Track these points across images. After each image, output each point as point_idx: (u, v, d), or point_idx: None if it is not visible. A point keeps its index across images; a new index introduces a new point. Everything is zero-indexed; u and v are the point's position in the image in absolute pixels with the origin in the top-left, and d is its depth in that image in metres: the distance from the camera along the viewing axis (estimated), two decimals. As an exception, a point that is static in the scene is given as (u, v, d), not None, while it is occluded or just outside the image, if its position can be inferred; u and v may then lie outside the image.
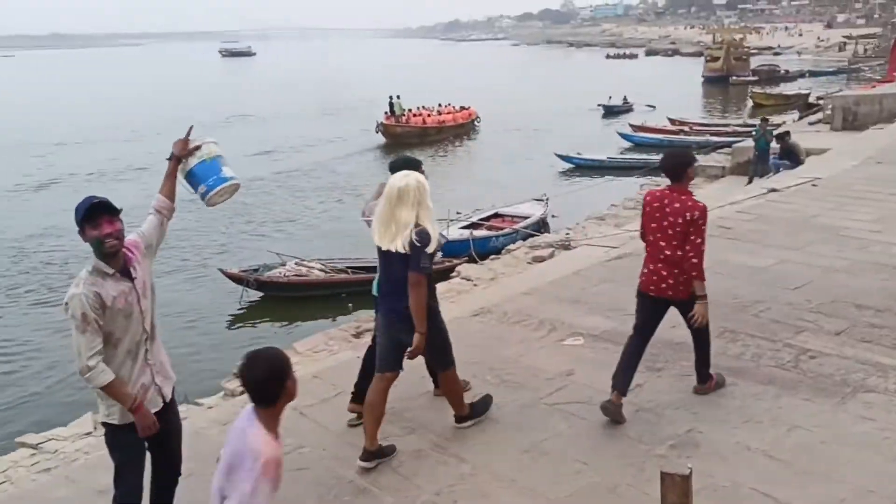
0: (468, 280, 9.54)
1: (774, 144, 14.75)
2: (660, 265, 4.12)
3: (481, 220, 14.34)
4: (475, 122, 31.36)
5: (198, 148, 3.40)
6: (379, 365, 3.95)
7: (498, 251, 12.13)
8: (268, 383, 2.28)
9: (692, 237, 3.98)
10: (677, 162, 4.19)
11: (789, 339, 5.19)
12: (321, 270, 11.96)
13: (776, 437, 3.97)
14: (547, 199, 15.33)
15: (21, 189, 21.35)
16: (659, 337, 5.30)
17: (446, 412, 4.40)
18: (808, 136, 17.03)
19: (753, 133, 15.90)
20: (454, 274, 10.36)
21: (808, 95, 32.98)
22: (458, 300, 8.25)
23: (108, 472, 3.13)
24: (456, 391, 4.15)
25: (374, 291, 4.19)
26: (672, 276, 4.09)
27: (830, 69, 56.06)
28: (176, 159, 3.37)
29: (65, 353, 9.84)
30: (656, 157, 21.64)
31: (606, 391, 4.56)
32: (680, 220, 4.00)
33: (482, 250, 12.41)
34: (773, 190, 10.56)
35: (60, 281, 12.93)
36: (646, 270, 4.22)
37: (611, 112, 34.82)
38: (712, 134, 25.16)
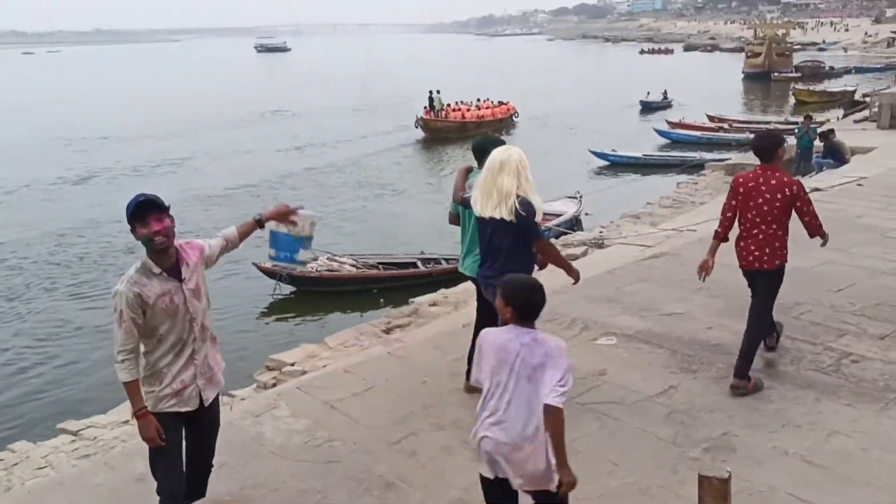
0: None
1: (818, 143, 14.40)
2: (750, 241, 4.37)
3: None
4: (513, 118, 31.22)
5: (294, 214, 3.60)
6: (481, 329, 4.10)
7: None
8: (541, 305, 2.75)
9: (802, 207, 4.29)
10: (768, 142, 4.42)
11: (831, 343, 5.06)
12: (352, 266, 12.03)
13: (815, 442, 3.87)
14: (580, 197, 15.18)
15: (62, 182, 21.86)
16: (695, 338, 5.24)
17: (476, 408, 4.39)
18: (853, 134, 16.57)
19: (796, 131, 15.54)
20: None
21: (853, 92, 32.10)
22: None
23: (145, 460, 3.18)
24: None
25: (461, 269, 4.55)
26: (762, 251, 4.34)
27: (878, 65, 54.46)
28: (258, 223, 3.53)
29: (104, 342, 10.10)
30: (694, 155, 21.40)
31: (640, 391, 4.51)
32: (779, 196, 4.24)
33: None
34: (817, 189, 10.30)
35: (97, 272, 13.28)
36: (740, 245, 4.46)
37: (649, 108, 34.26)
38: (752, 131, 24.58)
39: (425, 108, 28.18)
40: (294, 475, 3.82)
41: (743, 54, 55.22)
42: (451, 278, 10.89)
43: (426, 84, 31.69)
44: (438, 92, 28.39)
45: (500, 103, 30.90)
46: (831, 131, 14.39)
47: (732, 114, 30.37)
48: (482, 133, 28.26)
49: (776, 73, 47.32)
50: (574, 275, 4.27)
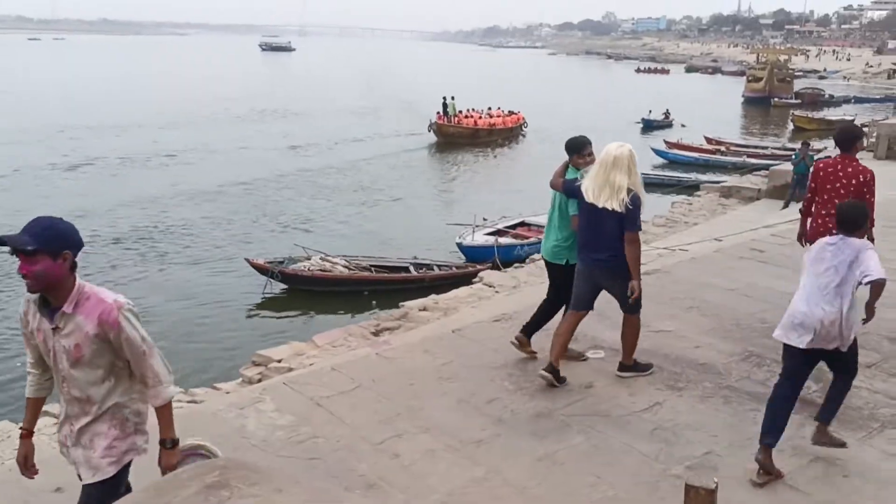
0: (490, 286, 9.53)
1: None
2: (827, 218, 4.89)
3: (507, 227, 14.30)
4: (523, 127, 31.79)
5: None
6: (574, 303, 4.75)
7: (522, 260, 12.09)
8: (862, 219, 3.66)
9: (866, 195, 4.86)
10: (849, 135, 5.15)
11: (818, 368, 5.07)
12: (345, 267, 12.04)
13: (798, 466, 3.88)
14: (576, 211, 15.22)
15: (52, 168, 21.79)
16: (682, 356, 5.25)
17: (462, 414, 4.40)
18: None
19: (793, 157, 15.64)
20: (476, 279, 10.36)
21: (852, 122, 32.37)
22: (479, 305, 8.25)
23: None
24: (632, 338, 4.79)
25: (543, 253, 5.16)
26: (828, 229, 4.82)
27: (877, 96, 54.95)
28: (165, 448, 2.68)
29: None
30: (689, 176, 21.52)
31: (625, 406, 4.52)
32: (854, 181, 4.91)
33: (506, 258, 12.38)
34: (809, 216, 10.36)
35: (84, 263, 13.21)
36: (814, 224, 5.14)
37: (650, 126, 34.46)
38: (750, 155, 24.80)
39: (438, 113, 28.71)
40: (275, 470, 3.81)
41: (744, 78, 55.61)
42: (443, 285, 10.92)
43: (429, 89, 31.87)
44: (453, 98, 29.07)
45: (511, 113, 31.60)
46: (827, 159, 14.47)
47: (730, 137, 30.57)
48: (494, 140, 28.79)
49: (776, 99, 47.64)
50: (637, 284, 4.47)
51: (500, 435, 4.19)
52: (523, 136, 31.47)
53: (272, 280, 11.65)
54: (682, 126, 34.04)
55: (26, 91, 43.43)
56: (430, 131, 28.12)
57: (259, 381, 5.99)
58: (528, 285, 8.86)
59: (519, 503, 3.57)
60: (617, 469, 3.85)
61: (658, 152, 26.01)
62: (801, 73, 64.68)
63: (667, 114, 35.86)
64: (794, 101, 47.66)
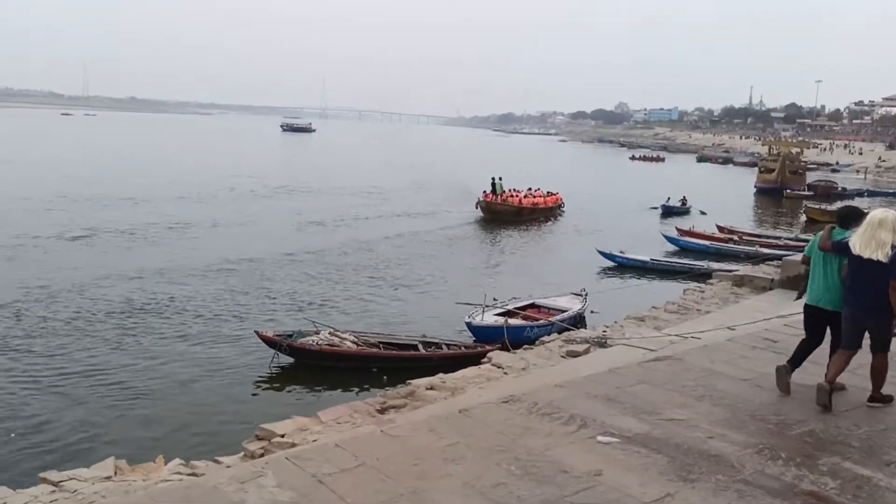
0: (499, 367, 9.44)
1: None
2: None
3: (517, 308, 14.28)
4: (560, 208, 33.88)
5: None
6: (845, 343, 5.55)
7: (532, 342, 12.00)
8: None
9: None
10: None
11: (835, 464, 4.93)
12: (353, 342, 12.00)
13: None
14: (586, 294, 15.23)
15: (75, 238, 22.16)
16: (694, 446, 5.13)
17: (467, 498, 4.28)
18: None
19: (806, 249, 15.64)
20: (485, 360, 10.27)
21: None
22: (486, 386, 8.16)
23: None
24: (883, 372, 5.56)
25: (811, 301, 6.10)
26: None
27: (890, 190, 55.45)
28: None
29: (91, 397, 10.00)
30: (702, 264, 21.56)
31: (635, 496, 4.39)
32: None
33: (516, 339, 12.30)
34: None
35: (96, 327, 13.28)
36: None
37: (670, 212, 35.12)
38: (762, 245, 24.87)
39: (485, 192, 30.96)
40: (272, 550, 3.69)
41: (755, 169, 56.31)
42: (451, 364, 10.83)
43: (446, 170, 32.63)
44: (500, 178, 31.58)
45: (550, 193, 33.87)
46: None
47: (743, 226, 30.75)
48: (536, 218, 30.80)
49: (788, 191, 48.06)
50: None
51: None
52: (562, 214, 33.53)
53: (280, 353, 11.62)
54: (702, 213, 34.70)
55: (59, 162, 44.79)
56: (477, 208, 30.27)
57: (262, 455, 5.89)
58: (538, 367, 8.77)
59: None
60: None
61: (670, 239, 26.15)
62: (813, 166, 65.48)
63: (684, 200, 36.46)
64: (806, 192, 48.06)
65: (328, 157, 64.05)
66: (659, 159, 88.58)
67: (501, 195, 31.02)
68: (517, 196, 31.77)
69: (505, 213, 30.43)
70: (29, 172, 37.79)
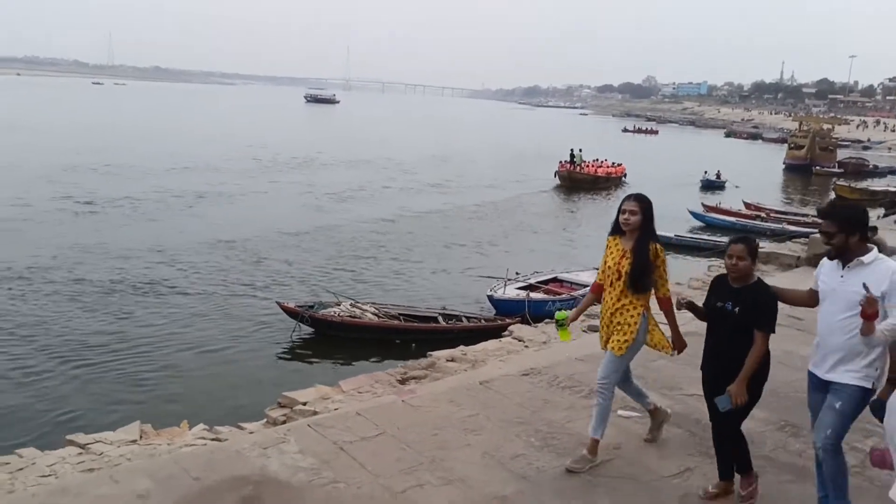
0: (520, 340, 9.43)
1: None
2: None
3: (539, 282, 14.23)
4: (623, 178, 35.83)
5: None
6: None
7: (553, 316, 11.96)
8: None
9: None
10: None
11: (856, 442, 4.88)
12: (374, 314, 12.06)
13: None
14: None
15: (92, 205, 22.48)
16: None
17: (486, 468, 4.32)
18: (892, 235, 16.35)
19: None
20: (506, 333, 10.28)
21: (895, 193, 31.83)
22: (507, 359, 8.17)
23: (149, 478, 3.17)
24: None
25: None
26: None
27: (923, 168, 54.03)
28: None
29: (118, 361, 10.20)
30: (725, 240, 21.17)
31: (654, 470, 4.40)
32: None
33: (537, 313, 12.28)
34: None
35: (117, 294, 13.50)
36: None
37: (711, 186, 35.71)
38: (789, 222, 24.47)
39: (561, 162, 34.11)
40: (294, 514, 3.76)
41: (784, 145, 55.21)
42: (471, 336, 10.86)
43: (466, 142, 32.42)
44: (580, 150, 34.60)
45: (615, 164, 36.26)
46: (874, 229, 14.21)
47: (770, 203, 30.26)
48: (609, 187, 32.95)
49: (818, 168, 47.12)
50: None
51: (523, 492, 4.10)
52: (626, 184, 35.08)
53: (301, 324, 11.73)
54: (736, 187, 34.97)
55: (108, 130, 45.29)
56: (555, 177, 33.34)
57: (284, 422, 5.98)
58: (558, 342, 8.75)
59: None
60: (643, 535, 3.73)
61: (695, 215, 25.81)
62: (844, 143, 64.05)
63: (718, 175, 36.59)
64: (836, 169, 47.08)
65: (353, 128, 63.95)
66: (652, 132, 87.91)
67: (580, 165, 33.93)
68: (592, 166, 34.76)
69: (583, 182, 33.30)
70: (75, 143, 38.22)
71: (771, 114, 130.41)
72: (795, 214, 27.21)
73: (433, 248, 19.61)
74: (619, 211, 4.35)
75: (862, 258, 3.56)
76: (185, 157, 34.37)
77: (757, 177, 42.05)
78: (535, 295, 13.23)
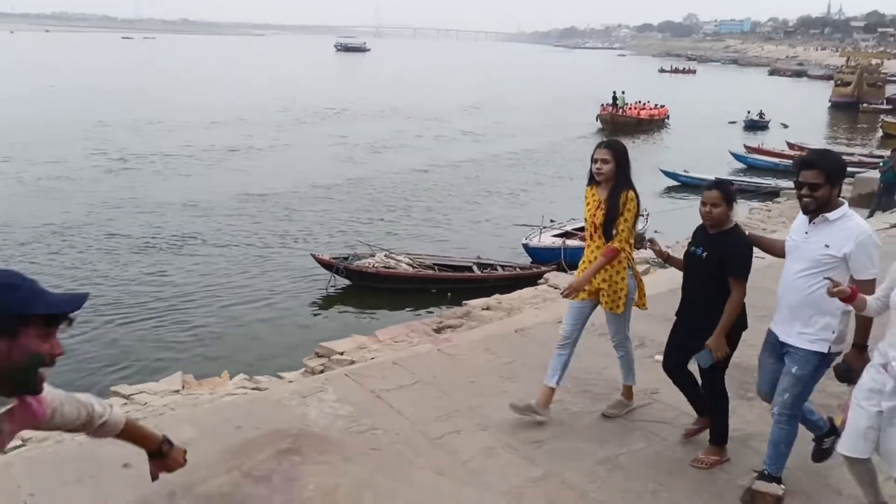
0: (555, 288, 9.39)
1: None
2: None
3: (575, 229, 14.10)
4: (666, 120, 36.18)
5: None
6: None
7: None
8: None
9: None
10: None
11: None
12: (409, 265, 12.12)
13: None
14: (647, 215, 14.86)
15: (123, 161, 22.78)
16: (753, 365, 5.03)
17: (521, 415, 4.34)
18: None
19: (881, 164, 14.86)
20: (542, 281, 10.25)
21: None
22: (543, 307, 8.15)
23: (193, 426, 3.26)
24: None
25: None
26: None
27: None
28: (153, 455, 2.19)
29: (154, 318, 10.45)
30: (769, 182, 20.73)
31: (691, 413, 4.36)
32: None
33: (573, 260, 12.19)
34: (893, 226, 9.82)
35: (146, 244, 13.81)
36: None
37: (754, 126, 35.14)
38: (834, 162, 23.65)
39: (603, 105, 34.24)
40: (334, 459, 3.85)
41: (830, 83, 53.18)
42: (506, 285, 10.86)
43: (512, 89, 31.88)
44: (623, 92, 34.40)
45: (657, 106, 36.45)
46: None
47: (815, 142, 29.27)
48: (652, 129, 33.53)
49: (865, 104, 45.37)
50: None
51: (560, 436, 4.12)
52: (668, 126, 35.69)
53: (336, 276, 11.85)
54: (784, 126, 34.64)
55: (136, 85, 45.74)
56: (597, 121, 33.34)
57: (321, 371, 6.09)
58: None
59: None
60: (680, 476, 3.73)
61: (737, 156, 25.16)
62: (893, 78, 61.34)
63: (761, 114, 35.68)
64: (884, 106, 45.26)
65: (385, 76, 63.28)
66: (690, 71, 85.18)
67: (623, 108, 33.96)
68: (636, 108, 34.90)
69: (626, 125, 33.10)
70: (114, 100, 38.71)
71: (817, 50, 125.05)
72: (841, 153, 26.27)
73: (467, 198, 19.53)
74: (592, 160, 4.11)
75: (827, 215, 3.25)
76: (216, 111, 34.48)
77: (801, 116, 40.65)
78: (570, 242, 13.12)
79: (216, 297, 11.38)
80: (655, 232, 14.48)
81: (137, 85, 47.04)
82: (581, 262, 4.29)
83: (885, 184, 13.86)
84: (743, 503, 3.46)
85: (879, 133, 35.12)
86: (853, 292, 2.99)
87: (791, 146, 26.78)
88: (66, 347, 1.50)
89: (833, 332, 3.31)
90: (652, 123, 34.98)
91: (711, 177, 21.14)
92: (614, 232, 4.06)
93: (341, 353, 6.61)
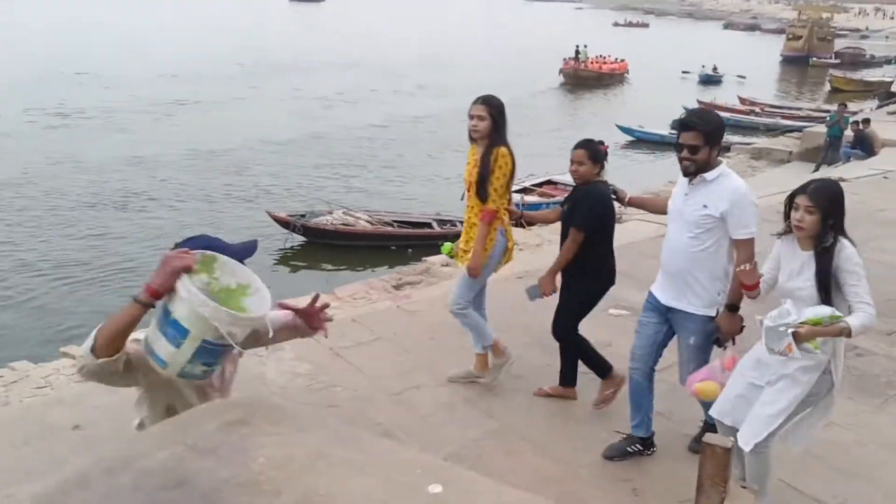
0: (514, 243, 9.49)
1: (849, 132, 14.13)
2: None
3: (533, 185, 14.19)
4: (626, 75, 36.44)
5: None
6: None
7: (548, 218, 11.98)
8: None
9: None
10: None
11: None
12: (367, 222, 12.06)
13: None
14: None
15: (59, 116, 21.93)
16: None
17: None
18: (886, 126, 16.22)
19: (827, 118, 15.26)
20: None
21: (890, 83, 31.35)
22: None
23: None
24: None
25: None
26: None
27: (920, 58, 53.01)
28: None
29: (110, 275, 10.23)
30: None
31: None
32: None
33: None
34: (841, 179, 10.14)
35: (89, 203, 13.41)
36: None
37: (709, 80, 35.66)
38: (783, 116, 24.22)
39: (566, 59, 34.27)
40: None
41: (782, 37, 53.93)
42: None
43: (470, 43, 31.42)
44: (585, 46, 34.88)
45: (617, 60, 36.69)
46: (866, 121, 14.11)
47: (765, 97, 29.83)
48: (614, 83, 33.54)
49: (815, 58, 46.21)
50: None
51: (517, 390, 4.23)
52: (628, 80, 35.86)
53: (293, 234, 11.73)
54: (742, 78, 35.58)
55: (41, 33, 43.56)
56: (560, 75, 33.49)
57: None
58: (551, 244, 8.79)
59: (532, 456, 3.62)
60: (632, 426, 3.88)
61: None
62: (843, 32, 62.54)
63: (715, 69, 36.15)
64: (833, 60, 46.18)
65: (341, 29, 61.64)
66: (643, 25, 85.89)
67: (584, 62, 34.24)
68: (597, 62, 35.19)
69: (588, 79, 33.62)
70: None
71: (770, 3, 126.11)
72: (790, 108, 26.88)
73: (426, 154, 19.41)
74: (469, 116, 3.97)
75: (705, 175, 3.24)
76: (162, 64, 33.11)
77: (754, 70, 41.18)
78: (528, 198, 13.20)
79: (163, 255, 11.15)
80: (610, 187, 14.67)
81: (70, 38, 44.83)
82: (465, 221, 4.13)
83: (832, 138, 14.27)
84: (691, 451, 3.63)
85: (828, 87, 35.89)
86: (754, 284, 2.98)
87: (742, 101, 27.22)
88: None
89: (719, 295, 3.34)
90: (613, 77, 35.19)
91: (665, 132, 21.53)
92: (490, 191, 3.90)
93: (300, 312, 6.59)
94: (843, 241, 2.87)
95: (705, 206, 3.23)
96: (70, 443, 3.52)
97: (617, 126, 21.78)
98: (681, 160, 3.27)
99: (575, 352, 4.03)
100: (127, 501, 1.16)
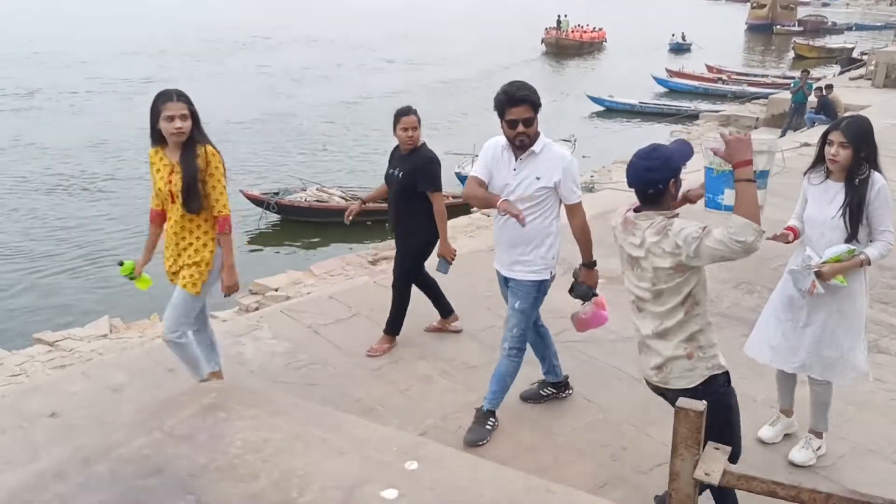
0: (488, 216, 9.50)
1: (812, 98, 14.34)
2: None
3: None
4: (604, 43, 37.46)
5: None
6: None
7: (521, 189, 12.01)
8: None
9: None
10: None
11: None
12: (341, 198, 11.98)
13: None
14: (575, 140, 15.07)
15: (21, 97, 21.33)
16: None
17: (457, 341, 4.48)
18: (848, 91, 16.47)
19: (791, 85, 15.46)
20: (473, 209, 10.32)
21: (852, 49, 31.82)
22: (476, 234, 8.26)
23: (122, 371, 3.21)
24: None
25: None
26: None
27: (878, 24, 53.94)
28: None
29: (75, 261, 10.04)
30: (689, 105, 21.24)
31: (618, 332, 4.59)
32: None
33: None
34: (806, 144, 10.30)
35: (53, 186, 13.11)
36: None
37: (680, 49, 36.16)
38: (750, 84, 24.47)
39: (547, 28, 35.12)
40: (274, 396, 3.89)
41: (747, 5, 54.29)
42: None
43: (443, 15, 30.96)
44: (566, 16, 36.28)
45: (596, 29, 37.83)
46: (830, 87, 14.32)
47: (732, 65, 30.07)
48: (593, 51, 34.60)
49: (778, 26, 46.73)
50: None
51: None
52: (606, 49, 36.83)
53: (267, 211, 11.62)
54: (700, 48, 35.62)
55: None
56: (542, 44, 34.27)
57: (256, 309, 6.05)
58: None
59: (511, 426, 3.67)
60: (609, 393, 3.96)
61: (659, 81, 25.57)
62: (804, 0, 63.19)
63: (683, 37, 36.49)
64: (796, 28, 46.75)
65: (310, 2, 60.42)
66: None
67: (566, 31, 34.98)
68: (577, 31, 35.96)
69: (569, 48, 34.47)
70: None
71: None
72: (756, 75, 27.13)
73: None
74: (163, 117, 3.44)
75: (533, 148, 3.23)
76: (124, 42, 32.29)
77: (720, 38, 41.44)
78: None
79: (136, 238, 10.97)
80: (583, 157, 14.73)
81: (27, 17, 43.38)
82: (167, 232, 3.62)
83: (796, 104, 14.46)
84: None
85: (792, 55, 36.29)
86: (795, 234, 3.25)
87: (710, 69, 27.43)
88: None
89: (553, 258, 3.45)
90: (592, 46, 36.05)
91: (635, 101, 21.64)
92: (213, 198, 3.46)
93: (276, 290, 6.56)
94: (875, 175, 3.03)
95: (538, 178, 3.25)
96: (47, 430, 3.48)
97: (587, 96, 21.82)
98: (516, 136, 3.19)
99: (400, 300, 4.35)
100: (105, 492, 1.16)
